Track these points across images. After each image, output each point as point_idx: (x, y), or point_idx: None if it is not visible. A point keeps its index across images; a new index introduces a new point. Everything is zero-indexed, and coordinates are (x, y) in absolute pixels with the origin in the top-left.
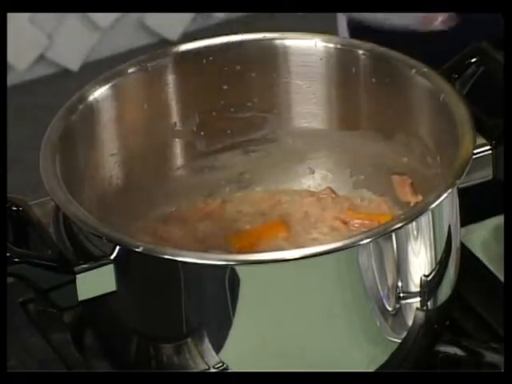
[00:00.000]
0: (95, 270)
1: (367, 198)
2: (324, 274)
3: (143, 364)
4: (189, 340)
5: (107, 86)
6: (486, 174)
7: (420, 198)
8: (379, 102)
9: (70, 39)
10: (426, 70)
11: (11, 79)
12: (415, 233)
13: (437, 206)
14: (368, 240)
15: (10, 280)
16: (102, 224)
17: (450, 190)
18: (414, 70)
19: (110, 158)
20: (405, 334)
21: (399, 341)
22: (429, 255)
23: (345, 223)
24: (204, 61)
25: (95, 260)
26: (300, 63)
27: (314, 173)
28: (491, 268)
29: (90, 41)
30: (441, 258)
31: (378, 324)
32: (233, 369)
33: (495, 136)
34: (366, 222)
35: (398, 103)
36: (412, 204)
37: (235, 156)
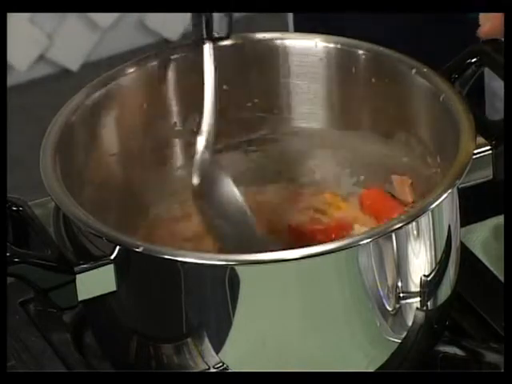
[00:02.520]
0: (95, 270)
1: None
2: (324, 274)
3: (143, 364)
4: (189, 340)
5: (107, 86)
6: (485, 174)
7: (420, 198)
8: (379, 102)
9: (70, 39)
10: (425, 70)
11: (11, 79)
12: (415, 233)
13: (437, 206)
14: (368, 240)
15: (10, 280)
16: (102, 224)
17: (450, 190)
18: (414, 70)
19: (109, 158)
20: (405, 334)
21: (399, 341)
22: (429, 255)
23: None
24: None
25: (95, 260)
26: (300, 63)
27: (314, 173)
28: (491, 268)
29: (90, 41)
30: (441, 258)
31: (378, 324)
32: (233, 369)
33: (495, 136)
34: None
35: (397, 103)
36: (412, 204)
37: (235, 156)
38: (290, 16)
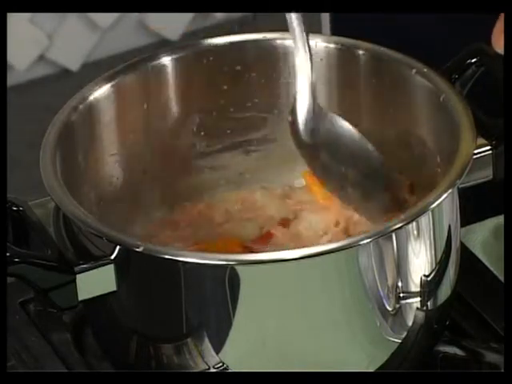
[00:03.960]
0: (95, 270)
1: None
2: (324, 274)
3: (143, 364)
4: (189, 340)
5: (107, 86)
6: (485, 174)
7: (420, 198)
8: (379, 102)
9: (70, 39)
10: (425, 70)
11: (11, 79)
12: (415, 233)
13: (437, 206)
14: (368, 240)
15: (10, 280)
16: (101, 224)
17: (450, 190)
18: (414, 70)
19: (109, 158)
20: (405, 334)
21: (399, 341)
22: (429, 255)
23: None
24: (204, 61)
25: (95, 260)
26: None
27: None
28: (491, 268)
29: (90, 41)
30: (441, 258)
31: (378, 324)
32: (233, 369)
33: (495, 136)
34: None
35: (398, 103)
36: (411, 204)
37: (235, 156)
38: (326, 16)
